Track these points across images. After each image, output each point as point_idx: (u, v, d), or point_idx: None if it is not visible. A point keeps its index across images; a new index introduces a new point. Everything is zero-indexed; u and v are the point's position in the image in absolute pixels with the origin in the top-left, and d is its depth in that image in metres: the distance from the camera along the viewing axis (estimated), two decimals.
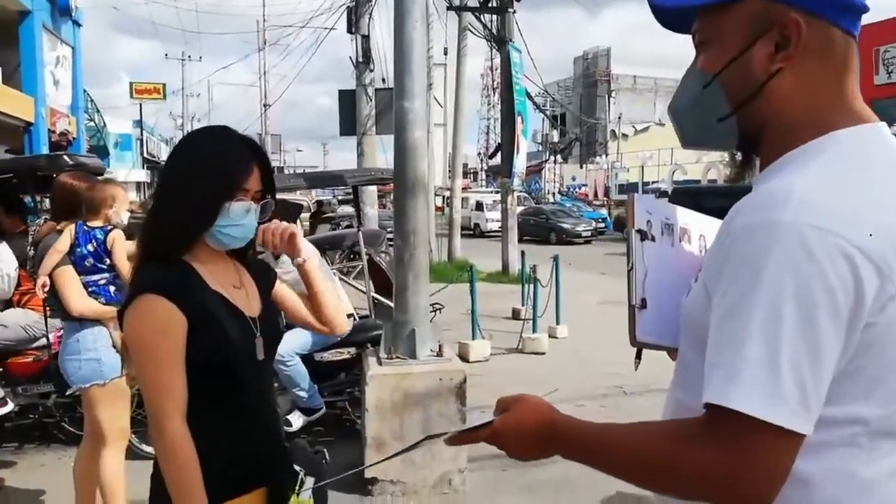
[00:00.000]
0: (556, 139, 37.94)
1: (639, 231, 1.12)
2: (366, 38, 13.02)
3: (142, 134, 32.08)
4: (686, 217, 1.23)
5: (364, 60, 12.98)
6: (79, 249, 3.06)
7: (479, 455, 3.96)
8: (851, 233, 0.79)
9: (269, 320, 1.57)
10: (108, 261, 3.09)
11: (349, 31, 13.03)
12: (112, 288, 3.11)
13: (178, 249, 1.46)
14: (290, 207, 4.27)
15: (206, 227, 1.45)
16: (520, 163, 13.10)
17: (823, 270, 0.78)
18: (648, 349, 1.16)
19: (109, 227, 3.13)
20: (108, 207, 3.13)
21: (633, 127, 47.00)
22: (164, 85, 32.71)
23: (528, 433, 0.99)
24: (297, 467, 1.53)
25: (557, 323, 7.93)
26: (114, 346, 3.01)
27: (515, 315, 9.06)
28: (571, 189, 38.31)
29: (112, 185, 3.31)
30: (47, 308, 3.73)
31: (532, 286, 7.41)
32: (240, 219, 1.47)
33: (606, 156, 42.39)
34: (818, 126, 0.90)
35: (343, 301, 4.27)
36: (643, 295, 1.11)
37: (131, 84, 31.79)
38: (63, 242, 3.04)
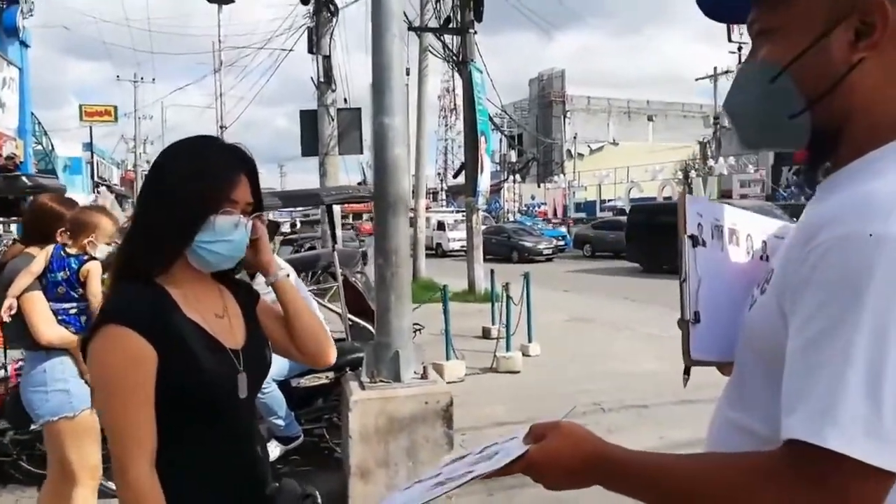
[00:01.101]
0: (513, 159, 38.32)
1: (691, 237, 1.01)
2: (327, 58, 12.95)
3: (92, 157, 31.16)
4: (734, 216, 1.12)
5: (325, 80, 12.89)
6: (51, 275, 2.89)
7: None
8: None
9: (254, 353, 1.40)
10: (80, 290, 2.93)
11: (310, 51, 12.94)
12: (83, 318, 2.95)
13: (153, 268, 1.33)
14: (267, 225, 4.12)
15: (187, 241, 1.31)
16: (484, 182, 13.15)
17: None
18: (701, 366, 1.09)
19: (86, 258, 2.96)
20: (87, 235, 2.96)
21: (588, 147, 47.96)
22: (115, 107, 31.91)
23: (568, 463, 0.90)
24: None
25: (529, 341, 7.90)
26: (82, 377, 2.83)
27: (486, 334, 9.02)
28: (531, 208, 38.71)
29: (98, 214, 3.13)
30: (4, 337, 3.50)
31: (505, 304, 7.36)
32: (227, 234, 1.33)
33: (563, 175, 43.03)
34: None
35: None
36: (696, 308, 1.00)
37: (81, 106, 30.93)
38: (38, 264, 2.87)
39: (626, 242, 19.98)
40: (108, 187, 31.19)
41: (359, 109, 14.23)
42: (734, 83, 0.95)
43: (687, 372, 1.12)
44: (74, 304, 2.93)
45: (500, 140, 33.54)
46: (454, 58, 12.89)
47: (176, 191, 1.32)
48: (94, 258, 2.97)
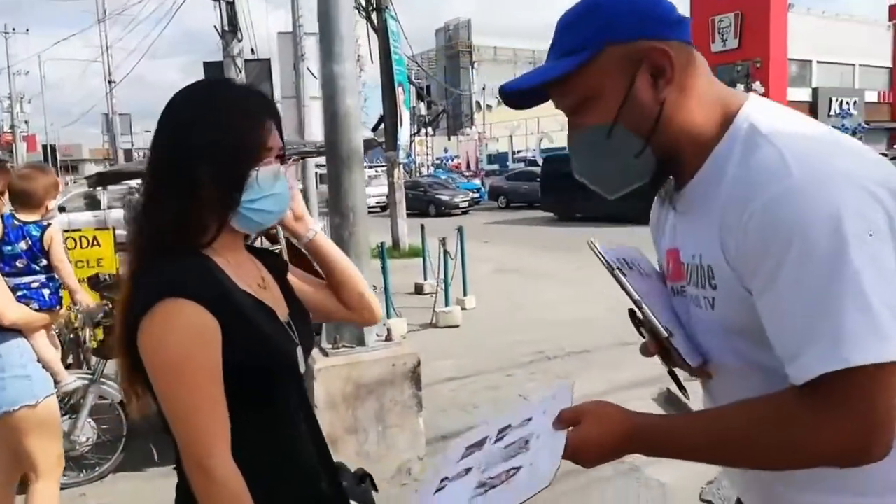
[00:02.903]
0: (423, 111, 37.87)
1: (618, 268, 1.08)
2: (231, 4, 12.13)
3: None
4: (622, 252, 1.17)
5: (231, 30, 12.10)
6: (8, 248, 2.59)
7: (434, 438, 3.81)
8: (859, 173, 0.85)
9: (301, 325, 1.27)
10: (44, 261, 2.61)
11: None
12: (46, 291, 2.66)
13: (202, 239, 1.14)
14: None
15: (234, 204, 1.14)
16: (404, 135, 12.89)
17: (867, 200, 0.82)
18: (694, 372, 1.07)
19: (45, 223, 2.66)
20: (53, 198, 2.70)
21: (496, 98, 48.09)
22: None
23: (609, 445, 0.95)
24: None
25: (465, 294, 7.90)
26: (38, 361, 2.57)
27: (418, 290, 8.95)
28: (444, 161, 38.58)
29: (50, 173, 2.83)
30: None
31: (443, 259, 7.29)
32: (271, 187, 1.16)
33: (472, 126, 43.05)
34: (725, 119, 0.97)
35: None
36: (665, 324, 1.04)
37: None
38: None
39: (540, 193, 20.33)
40: None
41: (268, 60, 13.51)
42: (576, 152, 1.07)
43: (682, 388, 1.16)
44: (36, 277, 2.64)
45: (409, 91, 32.99)
46: (370, 5, 12.35)
47: (208, 148, 1.12)
48: (50, 223, 2.69)
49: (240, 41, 12.28)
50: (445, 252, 7.29)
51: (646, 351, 1.11)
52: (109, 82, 30.00)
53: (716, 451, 0.93)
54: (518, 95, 1.06)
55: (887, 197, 0.84)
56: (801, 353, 0.81)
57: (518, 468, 0.95)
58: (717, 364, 1.04)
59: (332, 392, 3.28)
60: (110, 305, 3.61)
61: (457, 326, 7.10)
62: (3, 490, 2.65)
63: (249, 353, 1.11)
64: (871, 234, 0.81)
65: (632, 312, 1.09)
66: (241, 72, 12.17)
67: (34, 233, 2.62)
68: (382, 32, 12.48)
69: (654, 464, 3.75)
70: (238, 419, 1.10)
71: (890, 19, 31.59)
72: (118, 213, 12.47)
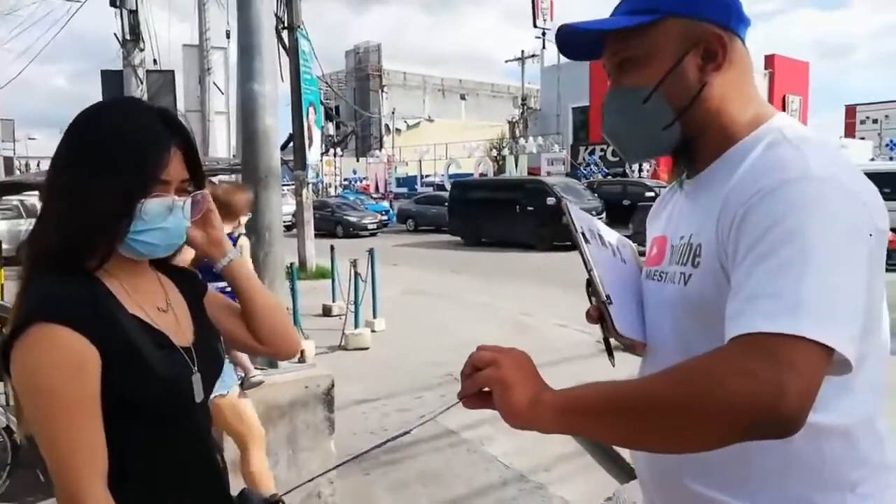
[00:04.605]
0: (331, 132, 37.58)
1: (582, 233, 1.16)
2: (133, 13, 11.64)
3: None
4: (597, 224, 1.28)
5: (132, 38, 11.60)
6: None
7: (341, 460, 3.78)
8: (868, 195, 0.92)
9: (206, 350, 1.23)
10: None
11: (113, 4, 11.52)
12: None
13: (90, 259, 1.11)
14: None
15: (119, 235, 1.10)
16: (314, 154, 12.78)
17: (864, 214, 0.88)
18: (624, 343, 1.15)
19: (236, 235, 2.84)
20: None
21: (405, 122, 48.53)
22: None
23: (526, 363, 0.95)
24: None
25: (375, 316, 7.88)
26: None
27: (326, 312, 8.84)
28: (352, 182, 38.35)
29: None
30: None
31: (353, 281, 7.25)
32: (159, 220, 1.12)
33: (381, 149, 43.17)
34: (755, 120, 1.03)
35: None
36: (607, 291, 1.11)
37: None
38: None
39: (448, 217, 20.62)
40: None
41: (172, 72, 13.07)
42: (609, 110, 1.11)
43: (611, 353, 1.22)
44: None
45: (320, 111, 32.64)
46: (280, 23, 12.22)
47: (103, 170, 1.09)
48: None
49: (142, 51, 11.79)
50: (356, 274, 7.26)
51: (588, 317, 1.16)
52: None
53: (627, 403, 0.87)
54: (574, 44, 1.09)
55: (881, 227, 0.92)
56: (752, 312, 0.82)
57: None
58: (657, 345, 1.10)
59: None
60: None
61: (366, 349, 7.07)
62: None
63: (133, 383, 1.08)
64: (870, 235, 0.88)
65: (588, 282, 1.14)
66: (142, 82, 11.70)
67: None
68: (293, 52, 12.38)
69: (558, 482, 3.91)
70: (123, 451, 1.08)
71: (766, 68, 34.59)
72: (2, 226, 11.56)
